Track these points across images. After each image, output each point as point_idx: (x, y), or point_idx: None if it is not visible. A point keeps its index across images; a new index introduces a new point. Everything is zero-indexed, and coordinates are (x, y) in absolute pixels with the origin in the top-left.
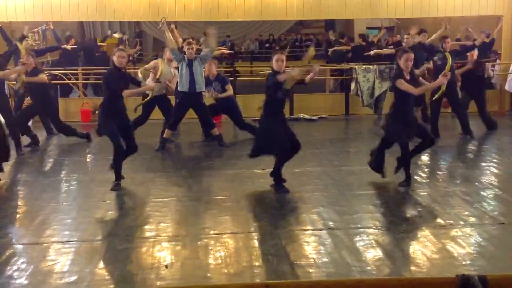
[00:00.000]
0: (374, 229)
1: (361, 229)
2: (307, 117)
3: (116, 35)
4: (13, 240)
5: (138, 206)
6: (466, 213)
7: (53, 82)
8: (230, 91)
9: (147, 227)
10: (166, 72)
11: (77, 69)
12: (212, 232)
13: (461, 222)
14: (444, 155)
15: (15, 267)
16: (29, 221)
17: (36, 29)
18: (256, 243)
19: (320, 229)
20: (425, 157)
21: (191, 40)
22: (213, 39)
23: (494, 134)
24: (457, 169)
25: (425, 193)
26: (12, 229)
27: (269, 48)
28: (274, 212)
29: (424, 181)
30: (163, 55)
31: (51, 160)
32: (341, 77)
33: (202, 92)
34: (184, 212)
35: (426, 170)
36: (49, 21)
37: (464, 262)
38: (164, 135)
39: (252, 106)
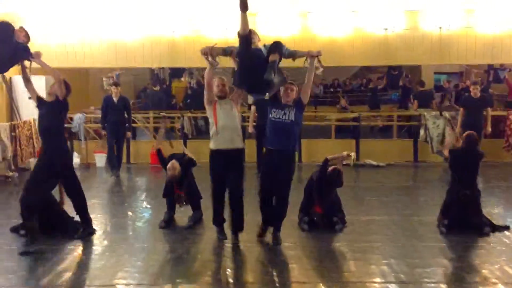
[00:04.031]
0: (448, 284)
1: (434, 284)
2: (374, 163)
3: (183, 79)
4: (87, 281)
5: (203, 250)
6: None
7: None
8: None
9: (209, 272)
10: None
11: (148, 113)
12: (278, 280)
13: None
14: None
15: None
16: (102, 262)
17: (110, 74)
18: None
19: (391, 282)
20: (497, 210)
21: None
22: None
23: None
24: None
25: (504, 248)
26: (87, 270)
27: (333, 92)
28: (343, 262)
29: (500, 234)
30: None
31: (118, 200)
32: (409, 123)
33: None
34: (251, 257)
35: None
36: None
37: None
38: None
39: (316, 150)
